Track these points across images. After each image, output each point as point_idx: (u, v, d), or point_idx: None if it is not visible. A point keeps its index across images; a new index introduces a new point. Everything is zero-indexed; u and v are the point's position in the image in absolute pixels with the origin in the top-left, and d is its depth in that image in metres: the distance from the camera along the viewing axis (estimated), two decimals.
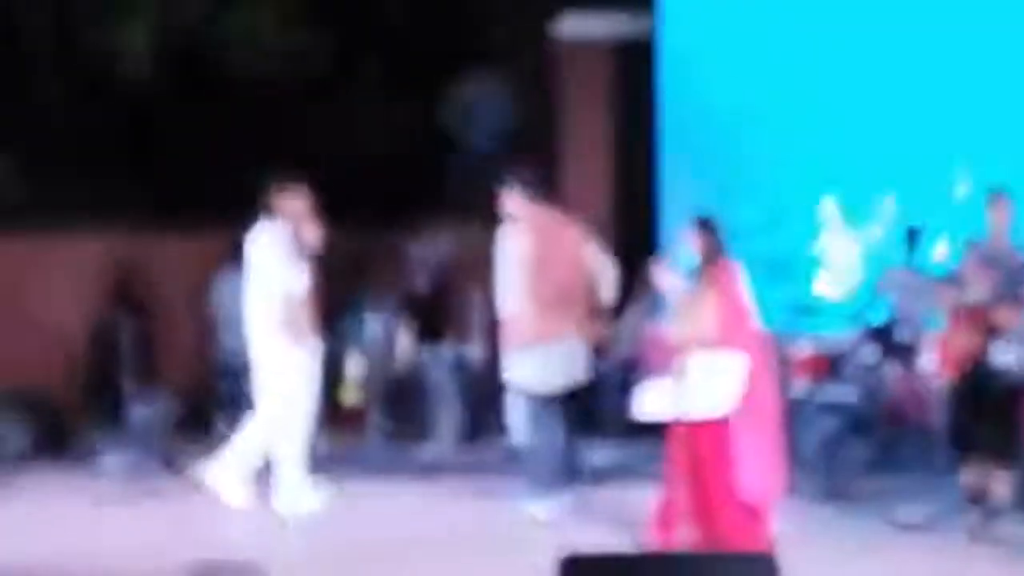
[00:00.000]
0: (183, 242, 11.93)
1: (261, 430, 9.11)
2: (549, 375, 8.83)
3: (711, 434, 7.58)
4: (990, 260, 8.51)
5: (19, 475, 9.90)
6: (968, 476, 8.57)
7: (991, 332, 8.36)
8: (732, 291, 7.86)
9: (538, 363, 8.79)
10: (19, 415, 10.40)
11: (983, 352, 8.41)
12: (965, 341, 8.50)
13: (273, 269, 9.11)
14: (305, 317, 9.10)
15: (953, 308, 8.70)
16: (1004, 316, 8.35)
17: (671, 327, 7.91)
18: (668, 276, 7.99)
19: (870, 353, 10.23)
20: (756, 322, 7.92)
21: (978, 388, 8.45)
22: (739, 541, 7.54)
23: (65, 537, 8.41)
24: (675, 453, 7.69)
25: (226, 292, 11.87)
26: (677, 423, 7.61)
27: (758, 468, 7.64)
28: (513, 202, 9.01)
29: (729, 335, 7.70)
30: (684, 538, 7.63)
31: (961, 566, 7.70)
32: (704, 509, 7.60)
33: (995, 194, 8.68)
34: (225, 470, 9.13)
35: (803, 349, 10.70)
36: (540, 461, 8.89)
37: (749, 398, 7.65)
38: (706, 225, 8.10)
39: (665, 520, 7.81)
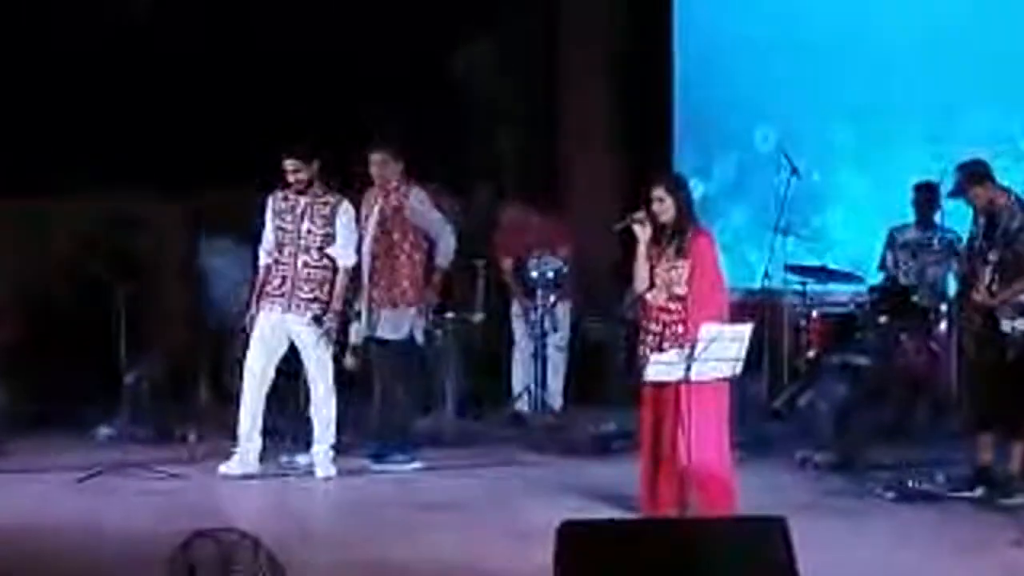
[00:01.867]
0: (174, 206, 11.75)
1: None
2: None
3: (701, 395, 7.38)
4: None
5: (9, 442, 9.72)
6: (982, 446, 8.39)
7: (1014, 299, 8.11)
8: (706, 260, 7.69)
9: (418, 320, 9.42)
10: (8, 382, 10.24)
11: (1003, 320, 8.16)
12: (984, 308, 8.23)
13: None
14: (271, 284, 8.94)
15: (971, 271, 8.43)
16: None
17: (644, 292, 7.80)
18: (645, 231, 7.77)
19: (884, 317, 10.04)
20: (725, 292, 7.83)
21: (997, 358, 8.20)
22: (724, 500, 7.50)
23: (57, 505, 8.28)
24: (660, 415, 7.59)
25: (214, 256, 11.74)
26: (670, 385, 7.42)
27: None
28: (391, 166, 9.27)
29: (702, 305, 7.54)
30: (671, 500, 7.48)
31: (971, 537, 7.53)
32: (686, 469, 7.37)
33: None
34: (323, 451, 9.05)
35: (815, 312, 10.55)
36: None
37: None
38: (677, 185, 7.88)
39: (651, 486, 7.70)
